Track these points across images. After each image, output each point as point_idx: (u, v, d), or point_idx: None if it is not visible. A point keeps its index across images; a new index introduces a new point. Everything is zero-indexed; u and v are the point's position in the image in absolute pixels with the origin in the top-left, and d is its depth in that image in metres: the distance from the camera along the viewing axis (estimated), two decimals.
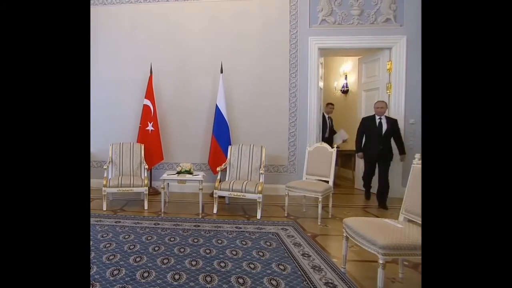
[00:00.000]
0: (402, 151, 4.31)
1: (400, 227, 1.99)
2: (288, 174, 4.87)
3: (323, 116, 5.79)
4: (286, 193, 3.82)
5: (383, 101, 4.39)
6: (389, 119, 4.30)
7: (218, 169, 4.09)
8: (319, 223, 3.47)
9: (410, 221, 2.14)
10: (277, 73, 4.88)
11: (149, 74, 4.83)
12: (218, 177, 3.99)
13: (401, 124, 4.71)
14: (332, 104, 6.16)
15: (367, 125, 4.40)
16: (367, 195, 4.71)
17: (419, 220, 2.04)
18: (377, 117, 4.31)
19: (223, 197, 4.18)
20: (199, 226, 3.31)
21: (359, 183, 5.48)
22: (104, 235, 2.97)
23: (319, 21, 4.81)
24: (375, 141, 4.25)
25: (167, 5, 5.04)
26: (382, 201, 4.24)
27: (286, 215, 3.79)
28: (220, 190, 3.85)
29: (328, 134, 5.87)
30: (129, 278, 2.12)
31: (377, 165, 4.37)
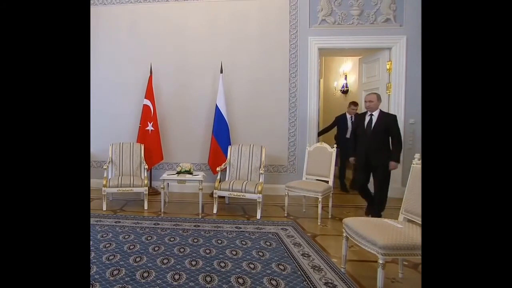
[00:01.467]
0: (394, 156, 3.42)
1: (400, 227, 1.99)
2: (288, 174, 4.87)
3: (344, 117, 5.52)
4: (286, 193, 3.82)
5: (373, 94, 3.63)
6: (383, 115, 3.56)
7: (218, 169, 4.09)
8: (319, 223, 3.47)
9: (409, 221, 2.15)
10: (277, 73, 4.88)
11: (149, 74, 4.83)
12: (218, 177, 3.99)
13: (401, 124, 4.70)
14: (355, 103, 5.55)
15: (356, 123, 3.78)
16: (368, 209, 3.75)
17: (418, 220, 2.04)
18: (368, 114, 3.62)
19: (223, 197, 4.18)
20: (199, 226, 3.31)
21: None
22: (104, 235, 2.97)
23: (319, 21, 4.81)
24: (362, 143, 3.61)
25: (167, 5, 5.04)
26: (374, 213, 3.52)
27: (286, 215, 3.79)
28: (220, 190, 3.85)
29: (351, 136, 5.55)
30: (129, 278, 2.12)
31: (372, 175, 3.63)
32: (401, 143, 3.52)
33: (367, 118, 3.60)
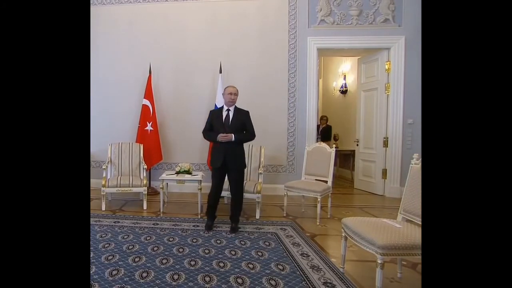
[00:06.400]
0: (243, 138, 3.21)
1: (399, 227, 1.99)
2: (287, 174, 4.88)
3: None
4: (285, 193, 3.82)
5: (234, 86, 3.32)
6: (238, 110, 3.27)
7: None
8: (318, 223, 3.47)
9: (408, 221, 2.15)
10: (276, 73, 4.88)
11: (148, 74, 4.83)
12: None
13: (399, 124, 4.74)
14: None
15: (211, 118, 3.32)
16: (208, 224, 3.24)
17: (417, 220, 2.05)
18: (224, 109, 3.27)
19: (222, 197, 4.17)
20: (198, 226, 3.31)
21: (358, 183, 5.50)
22: (103, 235, 2.96)
23: (318, 21, 4.82)
24: (221, 143, 3.16)
25: (166, 5, 5.03)
26: (233, 221, 3.21)
27: (285, 215, 3.79)
28: None
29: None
30: (128, 278, 2.12)
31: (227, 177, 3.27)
32: (254, 136, 3.29)
33: (224, 114, 3.25)
